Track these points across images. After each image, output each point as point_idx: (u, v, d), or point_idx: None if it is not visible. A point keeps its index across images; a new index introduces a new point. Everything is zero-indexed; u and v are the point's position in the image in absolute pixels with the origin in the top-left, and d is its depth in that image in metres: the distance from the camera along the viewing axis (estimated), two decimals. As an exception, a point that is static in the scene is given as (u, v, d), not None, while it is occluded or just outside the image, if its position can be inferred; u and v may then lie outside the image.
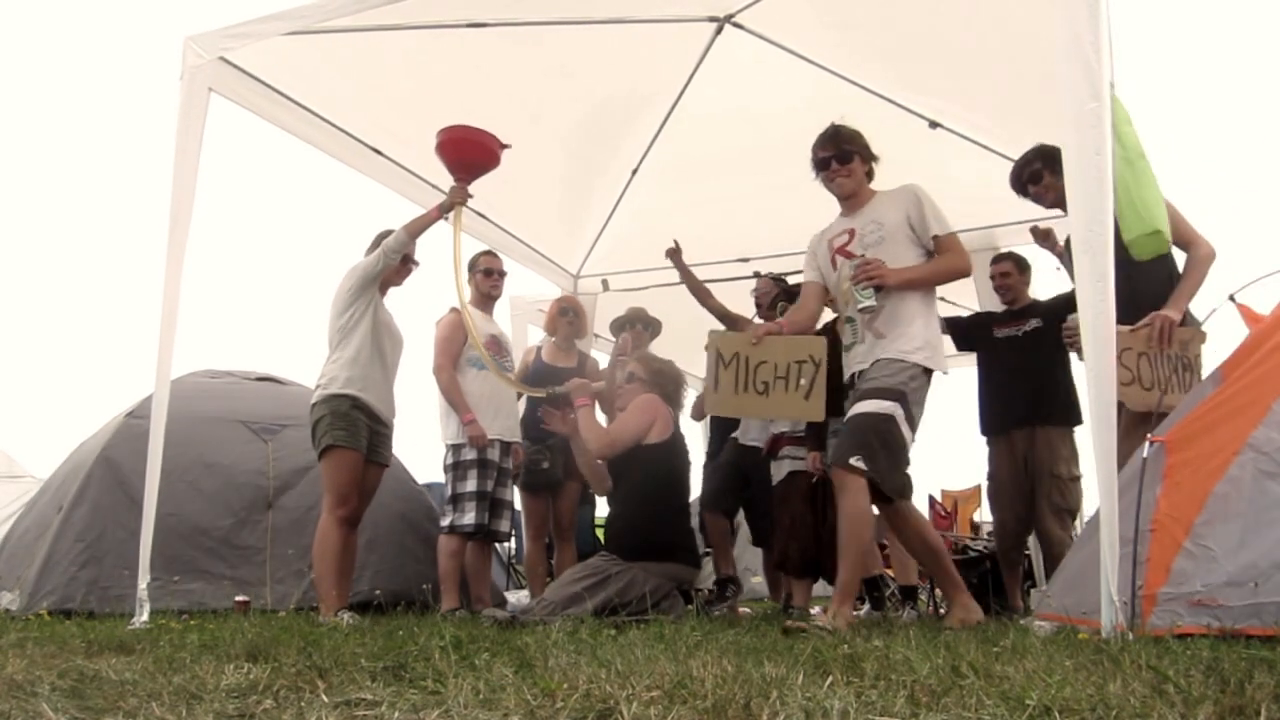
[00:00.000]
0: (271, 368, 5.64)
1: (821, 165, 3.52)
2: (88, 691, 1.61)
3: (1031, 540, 4.84)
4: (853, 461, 3.09)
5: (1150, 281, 3.35)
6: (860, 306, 3.30)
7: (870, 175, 3.56)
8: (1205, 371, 2.94)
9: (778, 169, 4.47)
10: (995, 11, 3.86)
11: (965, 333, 4.68)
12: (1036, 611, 2.90)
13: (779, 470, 4.47)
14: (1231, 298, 3.26)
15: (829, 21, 4.27)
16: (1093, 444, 2.47)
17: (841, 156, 3.47)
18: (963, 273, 3.44)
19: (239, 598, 4.14)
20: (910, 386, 3.22)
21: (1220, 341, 2.89)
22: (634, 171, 5.56)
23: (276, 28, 3.58)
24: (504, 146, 3.93)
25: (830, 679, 1.58)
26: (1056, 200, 3.56)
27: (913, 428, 3.23)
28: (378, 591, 4.35)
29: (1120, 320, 3.26)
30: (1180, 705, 1.29)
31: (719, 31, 4.48)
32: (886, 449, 3.14)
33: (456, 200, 3.95)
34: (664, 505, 3.99)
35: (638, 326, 5.17)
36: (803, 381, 3.37)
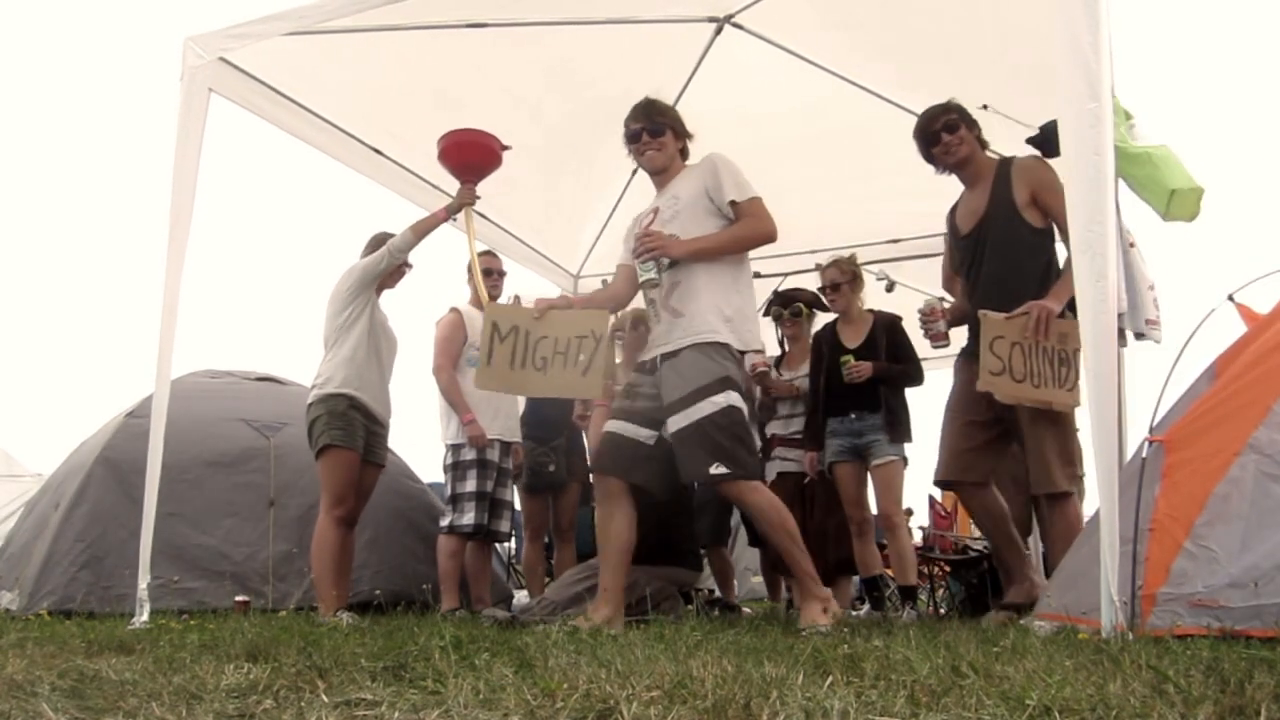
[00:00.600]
0: (271, 368, 5.66)
1: (633, 138, 3.40)
2: (88, 691, 1.60)
3: (1032, 540, 4.83)
4: (713, 471, 2.95)
5: (1025, 272, 3.24)
6: (641, 280, 3.17)
7: (684, 153, 3.43)
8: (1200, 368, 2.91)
9: (777, 169, 4.46)
10: (995, 12, 3.86)
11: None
12: (1036, 611, 2.90)
13: (768, 472, 4.48)
14: (1230, 297, 3.24)
15: (829, 22, 4.27)
16: (1093, 444, 2.47)
17: (653, 129, 3.35)
18: (764, 238, 3.20)
19: (239, 598, 4.15)
20: (728, 368, 3.06)
21: (1218, 342, 2.86)
22: (634, 171, 5.55)
23: (277, 28, 3.58)
24: (504, 148, 3.94)
25: (830, 679, 1.58)
26: (966, 157, 3.50)
27: (750, 403, 3.11)
28: (378, 591, 4.35)
29: (994, 308, 3.23)
30: (1180, 705, 1.29)
31: (719, 32, 4.47)
32: (740, 442, 3.01)
33: (465, 201, 3.96)
34: (666, 508, 3.98)
35: (640, 328, 5.17)
36: (582, 357, 3.19)
